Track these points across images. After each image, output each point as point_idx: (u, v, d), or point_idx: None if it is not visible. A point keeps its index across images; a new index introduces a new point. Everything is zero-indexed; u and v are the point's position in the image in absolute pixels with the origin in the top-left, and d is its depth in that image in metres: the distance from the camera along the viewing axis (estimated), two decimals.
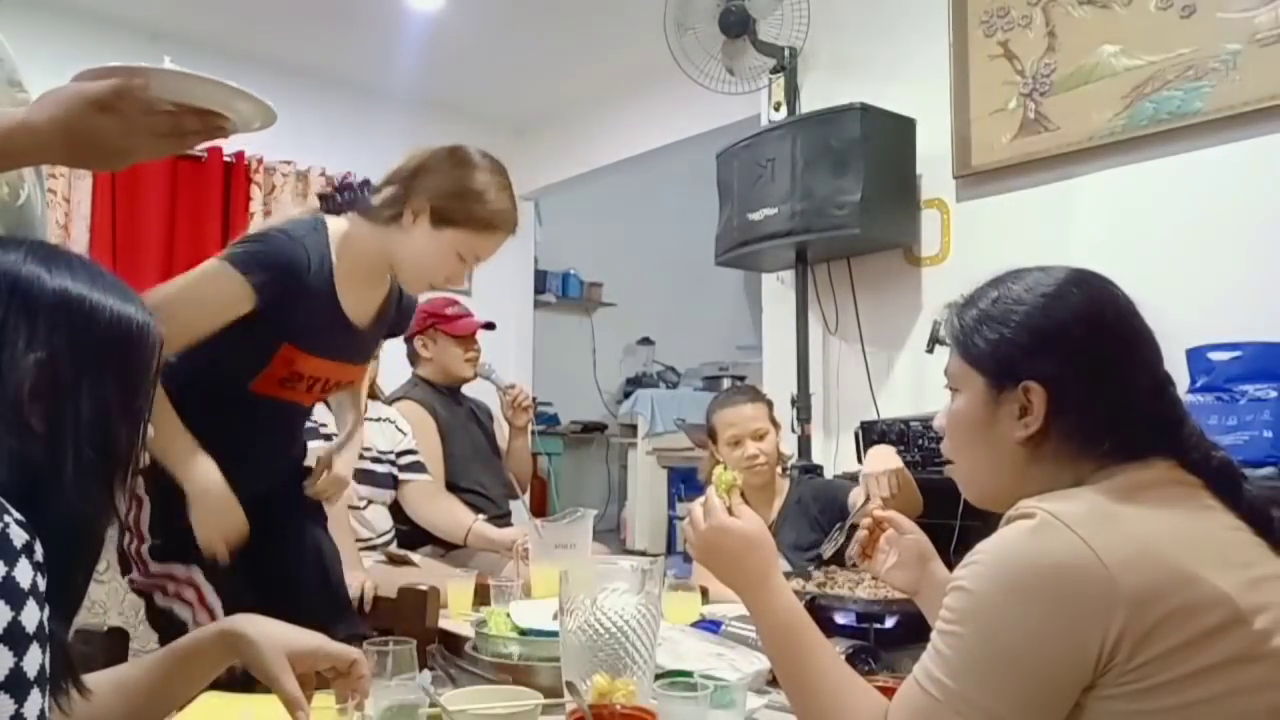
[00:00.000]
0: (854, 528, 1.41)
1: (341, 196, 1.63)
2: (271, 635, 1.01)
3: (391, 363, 3.07)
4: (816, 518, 2.30)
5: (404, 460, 2.75)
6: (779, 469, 2.47)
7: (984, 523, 0.94)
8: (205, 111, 1.04)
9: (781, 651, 1.02)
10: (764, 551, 1.07)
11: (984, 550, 0.88)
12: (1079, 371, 0.96)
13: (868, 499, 1.97)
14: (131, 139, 1.01)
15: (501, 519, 3.01)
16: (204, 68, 1.01)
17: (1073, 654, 0.82)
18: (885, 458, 2.08)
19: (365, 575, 2.19)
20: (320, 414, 2.56)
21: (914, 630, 1.25)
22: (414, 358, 3.07)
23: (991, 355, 1.00)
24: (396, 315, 1.86)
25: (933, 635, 0.90)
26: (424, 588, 1.94)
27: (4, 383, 0.77)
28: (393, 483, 2.72)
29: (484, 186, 1.61)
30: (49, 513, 0.75)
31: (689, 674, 1.21)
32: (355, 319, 1.70)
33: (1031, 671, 0.84)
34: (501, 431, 3.24)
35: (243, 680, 1.07)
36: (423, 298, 3.17)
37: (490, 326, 3.12)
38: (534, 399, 3.12)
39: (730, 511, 1.10)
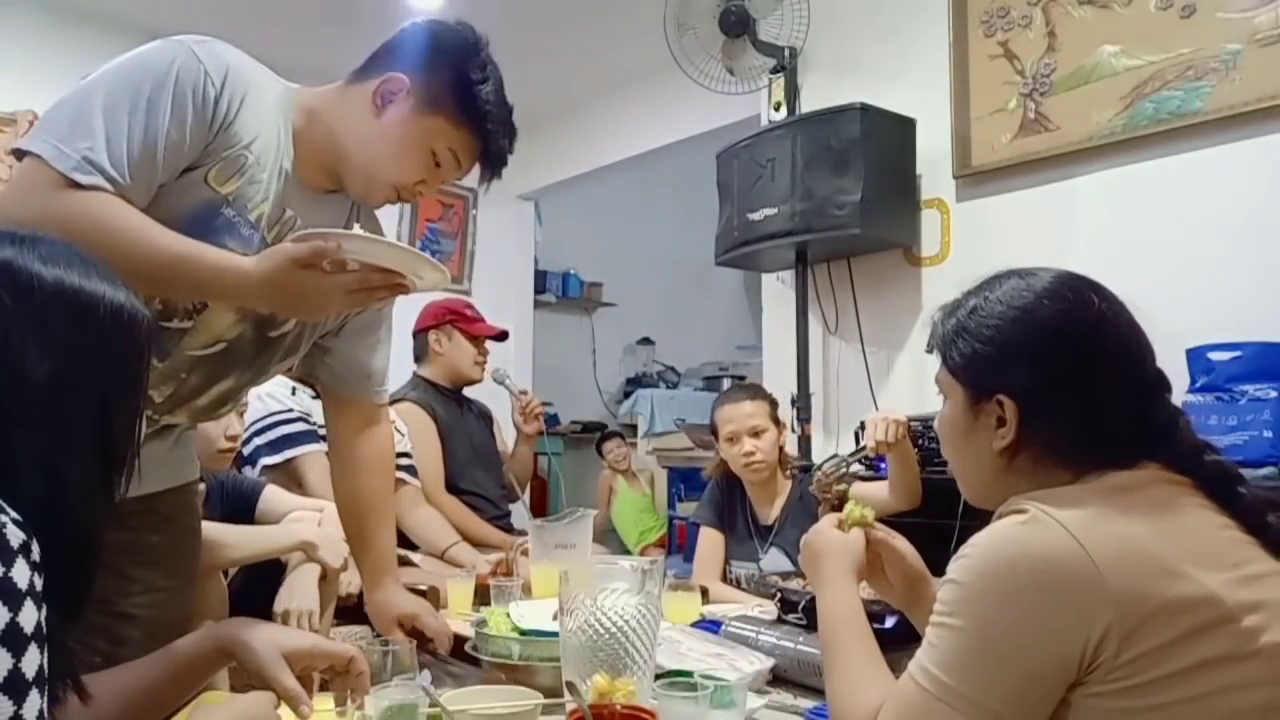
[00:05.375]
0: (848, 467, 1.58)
1: None
2: (266, 636, 1.01)
3: (392, 362, 3.06)
4: (818, 513, 2.30)
5: (400, 462, 2.74)
6: (786, 470, 2.47)
7: (984, 523, 0.95)
8: (388, 270, 1.19)
9: (824, 638, 1.08)
10: (843, 559, 1.15)
11: (975, 543, 0.90)
12: (1048, 386, 0.97)
13: (863, 445, 2.04)
14: (325, 292, 1.18)
15: (500, 520, 3.01)
16: None
17: (1057, 649, 0.83)
18: (891, 410, 2.10)
19: None
20: (318, 412, 2.56)
21: (914, 630, 1.25)
22: (422, 354, 3.06)
23: (967, 368, 1.02)
24: None
25: (927, 629, 0.91)
26: (424, 588, 1.94)
27: (4, 380, 0.76)
28: None
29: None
30: (53, 512, 0.75)
31: (689, 674, 1.21)
32: None
33: (1017, 665, 0.84)
34: (502, 435, 3.24)
35: None
36: (440, 296, 3.16)
37: (504, 336, 3.13)
38: (546, 405, 3.09)
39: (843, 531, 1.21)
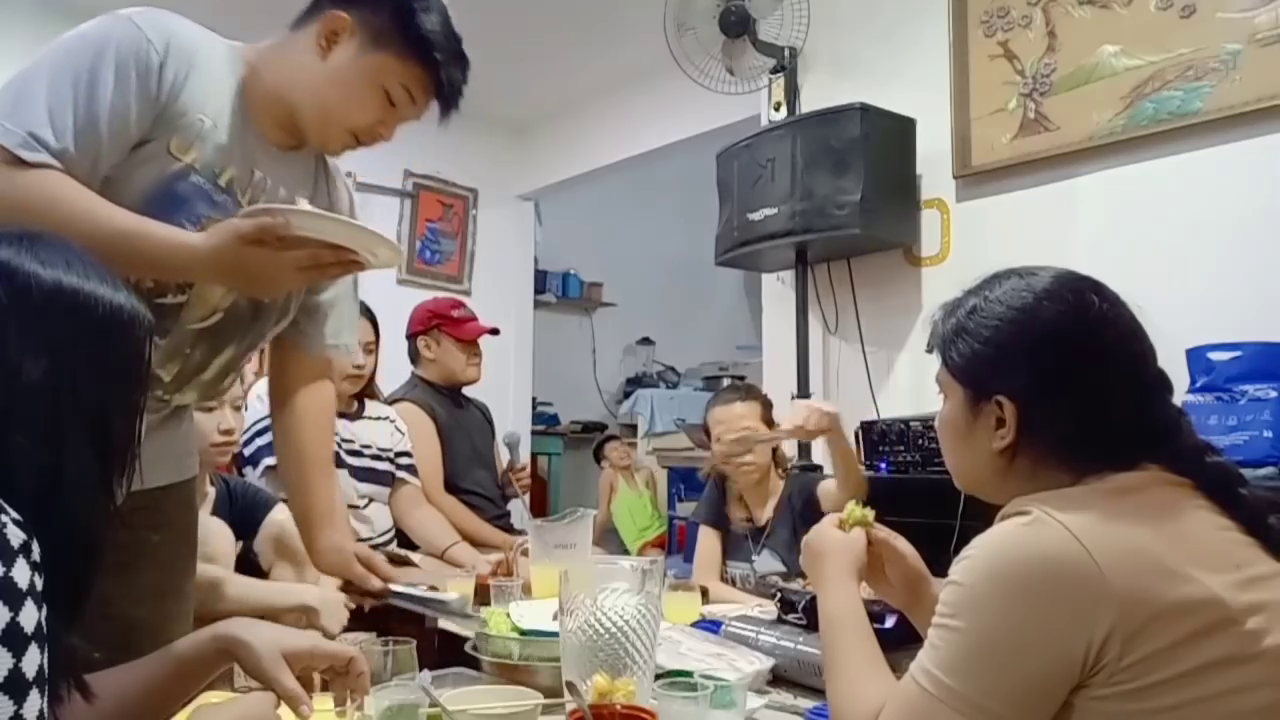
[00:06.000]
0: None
1: None
2: (266, 636, 1.01)
3: (392, 361, 3.07)
4: (801, 512, 2.31)
5: (401, 461, 2.75)
6: (780, 470, 2.47)
7: (985, 523, 0.95)
8: (338, 246, 1.19)
9: (825, 639, 1.08)
10: (843, 559, 1.15)
11: (977, 545, 0.90)
12: (1048, 387, 0.97)
13: (779, 425, 2.07)
14: (275, 269, 1.17)
15: (500, 520, 3.01)
16: None
17: (1060, 651, 0.83)
18: (823, 400, 2.10)
19: None
20: None
21: (914, 630, 1.25)
22: (415, 357, 3.07)
23: (966, 369, 1.02)
24: None
25: (929, 630, 0.91)
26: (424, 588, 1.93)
27: (2, 380, 0.76)
28: (393, 480, 2.72)
29: None
30: (50, 512, 0.75)
31: (689, 674, 1.21)
32: None
33: (1019, 666, 0.84)
34: (499, 440, 3.24)
35: None
36: (429, 297, 3.15)
37: (494, 332, 3.12)
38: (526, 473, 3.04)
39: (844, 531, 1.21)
